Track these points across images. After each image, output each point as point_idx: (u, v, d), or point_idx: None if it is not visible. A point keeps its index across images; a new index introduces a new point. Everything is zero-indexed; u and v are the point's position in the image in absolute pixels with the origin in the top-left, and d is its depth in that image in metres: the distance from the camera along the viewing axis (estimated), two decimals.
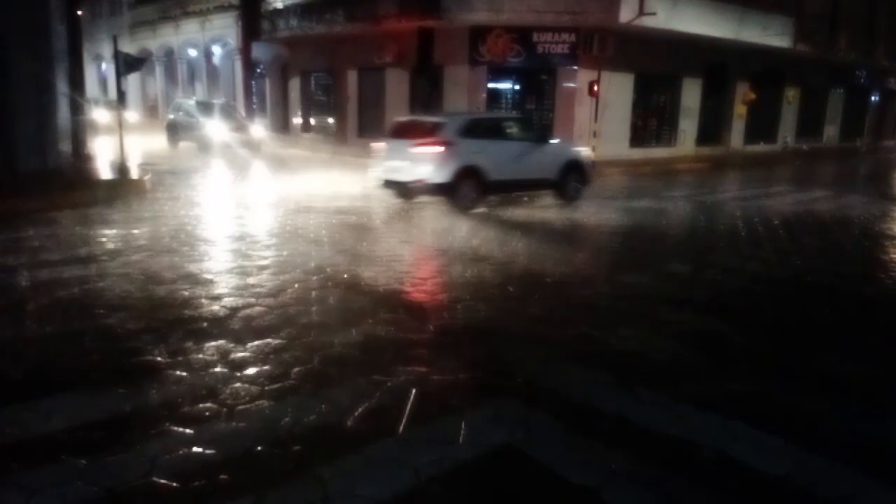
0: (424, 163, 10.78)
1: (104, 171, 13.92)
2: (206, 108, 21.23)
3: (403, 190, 11.53)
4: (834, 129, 30.77)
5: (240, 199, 12.21)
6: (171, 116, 22.52)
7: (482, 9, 18.11)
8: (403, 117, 13.74)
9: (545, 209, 11.74)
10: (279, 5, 23.79)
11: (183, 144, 21.34)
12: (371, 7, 19.78)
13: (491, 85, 19.81)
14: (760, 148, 25.97)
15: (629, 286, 6.62)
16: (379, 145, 12.11)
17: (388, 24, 19.39)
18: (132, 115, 29.18)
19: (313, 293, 6.03)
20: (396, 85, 21.55)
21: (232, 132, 20.08)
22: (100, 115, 25.88)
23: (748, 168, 21.41)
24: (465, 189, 10.96)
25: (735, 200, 13.66)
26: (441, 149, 10.76)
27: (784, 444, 3.49)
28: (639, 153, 21.25)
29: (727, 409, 3.86)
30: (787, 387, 4.24)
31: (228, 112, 21.48)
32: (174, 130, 21.87)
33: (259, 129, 21.39)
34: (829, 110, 30.34)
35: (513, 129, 12.23)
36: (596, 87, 18.43)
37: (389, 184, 11.64)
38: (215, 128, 19.94)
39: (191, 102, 22.23)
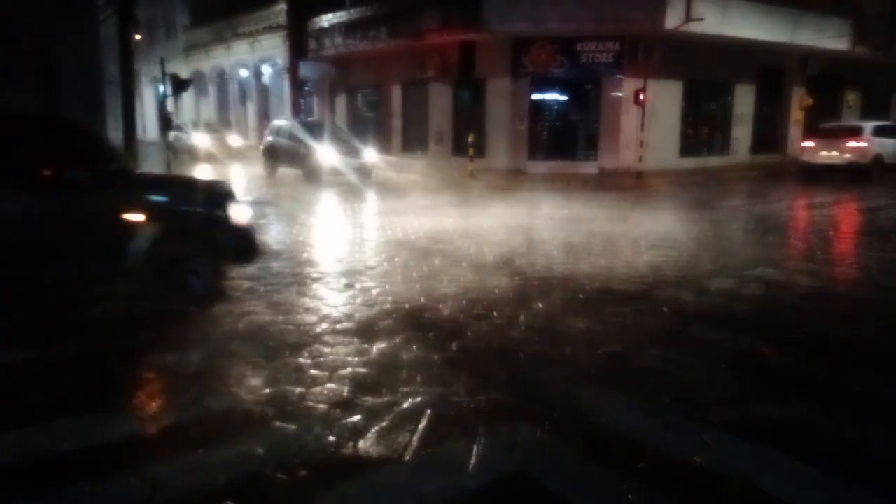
0: (852, 152, 17.86)
1: None
2: (311, 129, 18.69)
3: (830, 172, 18.02)
4: None
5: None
6: (269, 139, 20.01)
7: (524, 20, 18.00)
8: (829, 123, 20.50)
9: None
10: (325, 24, 24.24)
11: (282, 171, 19.35)
12: (414, 23, 19.93)
13: (535, 96, 19.64)
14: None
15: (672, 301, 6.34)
16: (808, 143, 19.06)
17: (431, 39, 19.49)
18: (235, 139, 27.61)
19: None
20: (440, 99, 21.61)
21: (342, 157, 17.51)
22: (199, 139, 25.80)
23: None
24: (876, 170, 17.89)
25: (791, 210, 13.09)
26: (864, 143, 18.00)
27: (819, 474, 3.22)
28: (690, 162, 20.66)
29: (758, 435, 3.60)
30: (826, 411, 3.94)
31: (337, 134, 19.16)
32: (272, 155, 19.60)
33: (371, 152, 18.68)
34: (892, 115, 28.91)
35: None
36: (642, 96, 18.05)
37: (815, 168, 18.59)
38: (323, 152, 17.44)
39: (293, 124, 19.85)
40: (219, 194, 6.19)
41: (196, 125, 28.05)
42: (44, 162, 5.33)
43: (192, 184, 6.43)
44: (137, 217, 5.61)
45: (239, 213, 6.10)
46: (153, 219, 5.65)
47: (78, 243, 5.49)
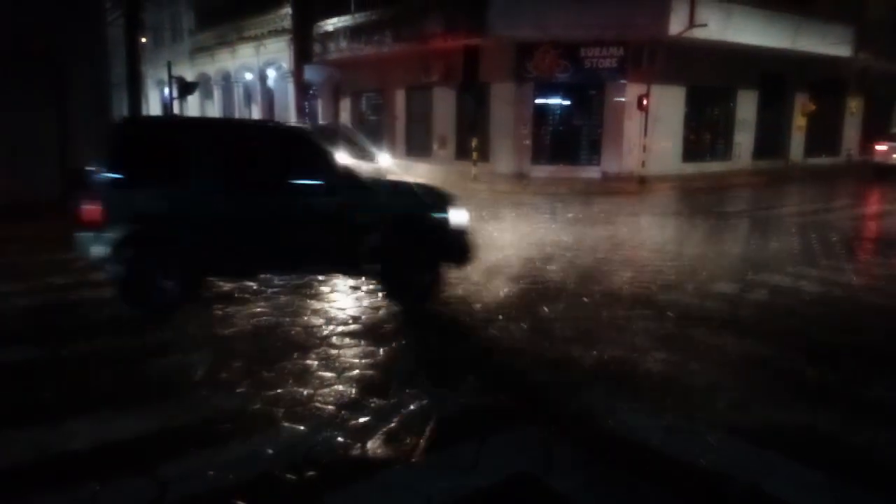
0: None
1: None
2: (324, 134, 18.25)
3: None
4: None
5: None
6: None
7: (528, 25, 18.03)
8: None
9: None
10: (330, 28, 24.31)
11: None
12: (418, 27, 19.98)
13: (538, 101, 19.67)
14: (822, 161, 24.91)
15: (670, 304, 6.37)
16: (882, 147, 20.63)
17: (435, 44, 19.53)
18: None
19: None
20: (443, 103, 21.66)
21: (356, 161, 17.71)
22: None
23: (809, 182, 20.54)
24: None
25: (792, 217, 13.10)
26: None
27: (824, 478, 3.25)
28: (692, 168, 20.67)
29: (764, 438, 3.63)
30: (832, 415, 3.97)
31: (350, 138, 18.25)
32: None
33: (386, 157, 17.92)
34: (895, 121, 28.94)
35: None
36: (645, 101, 18.08)
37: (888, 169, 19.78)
38: (337, 156, 16.94)
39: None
40: (439, 198, 6.51)
41: None
42: (295, 167, 6.13)
43: (416, 188, 6.72)
44: (368, 219, 6.14)
45: (458, 217, 6.36)
46: (381, 221, 6.15)
47: (318, 242, 6.15)
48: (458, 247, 6.30)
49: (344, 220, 6.10)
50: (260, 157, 6.21)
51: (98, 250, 5.86)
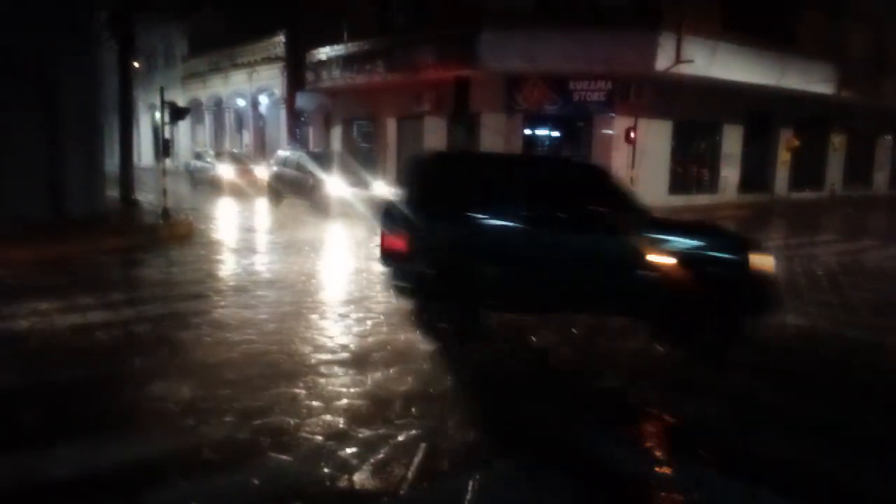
0: None
1: (150, 216, 14.34)
2: (319, 160, 18.10)
3: None
4: (884, 177, 29.85)
5: None
6: (275, 169, 19.49)
7: (518, 58, 18.34)
8: None
9: None
10: (322, 57, 24.57)
11: (287, 202, 18.64)
12: (410, 58, 20.26)
13: (527, 132, 19.93)
14: (806, 195, 25.31)
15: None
16: None
17: (426, 74, 19.79)
18: (262, 170, 22.89)
19: None
20: (434, 132, 21.85)
21: (351, 188, 16.88)
22: (224, 170, 22.99)
23: (793, 215, 20.84)
24: None
25: (778, 250, 13.25)
26: None
27: None
28: (679, 200, 20.91)
29: (755, 475, 3.64)
30: (823, 452, 3.99)
31: (346, 165, 18.37)
32: (278, 186, 19.04)
33: (381, 184, 17.75)
34: (877, 157, 29.51)
35: None
36: (633, 134, 18.36)
37: None
38: (332, 183, 16.81)
39: (301, 154, 19.10)
40: (739, 241, 6.15)
41: (220, 155, 25.16)
42: (590, 204, 6.00)
43: (712, 229, 6.39)
44: (660, 259, 5.69)
45: (761, 262, 5.84)
46: (673, 262, 5.68)
47: (614, 282, 5.85)
48: (758, 296, 5.67)
49: (639, 260, 5.71)
50: (565, 192, 6.16)
51: (402, 282, 6.03)
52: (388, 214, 6.40)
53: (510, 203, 6.00)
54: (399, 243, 6.03)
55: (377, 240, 6.66)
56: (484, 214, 6.02)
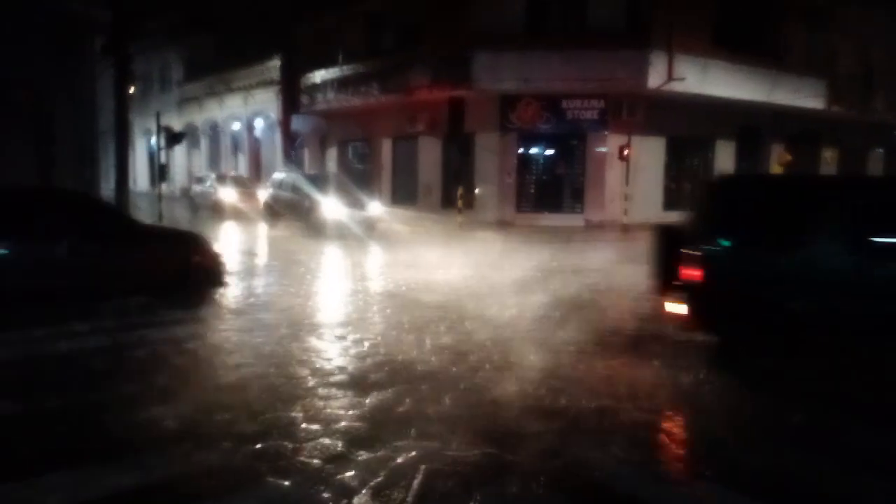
0: None
1: None
2: (315, 182, 18.08)
3: None
4: None
5: None
6: (271, 191, 19.45)
7: (511, 78, 18.52)
8: None
9: None
10: (317, 80, 24.76)
11: (284, 224, 18.55)
12: (404, 79, 20.43)
13: (521, 150, 20.05)
14: None
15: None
16: None
17: (421, 95, 19.94)
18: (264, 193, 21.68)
19: None
20: (429, 152, 21.97)
21: (348, 209, 16.85)
22: (226, 194, 22.65)
23: None
24: None
25: None
26: None
27: None
28: (673, 216, 20.93)
29: (751, 488, 3.61)
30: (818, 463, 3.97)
31: (342, 186, 18.25)
32: (274, 208, 19.00)
33: (376, 205, 17.98)
34: (869, 170, 29.70)
35: None
36: (626, 152, 18.48)
37: None
38: (328, 205, 16.69)
39: (296, 176, 19.07)
40: None
41: (222, 179, 24.61)
42: None
43: None
44: None
45: None
46: None
47: None
48: None
49: None
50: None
51: (698, 314, 5.77)
52: (671, 239, 6.06)
53: (831, 230, 5.51)
54: (695, 272, 5.70)
55: (642, 267, 6.47)
56: (798, 243, 5.61)
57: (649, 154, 20.03)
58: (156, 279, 8.22)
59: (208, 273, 8.77)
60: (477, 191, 20.22)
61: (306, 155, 28.54)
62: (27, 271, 7.33)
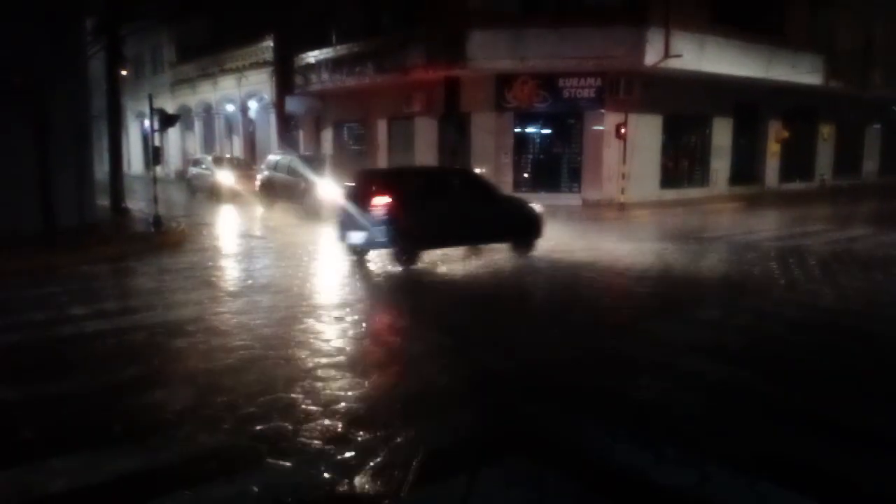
0: None
1: (142, 225, 14.28)
2: (311, 163, 17.85)
3: None
4: (872, 165, 30.03)
5: None
6: (266, 174, 19.30)
7: (507, 57, 18.35)
8: None
9: None
10: (311, 60, 24.51)
11: (280, 207, 18.40)
12: (399, 59, 20.23)
13: (518, 130, 19.94)
14: (796, 186, 25.44)
15: (653, 332, 6.41)
16: None
17: (416, 75, 19.77)
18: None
19: None
20: (425, 133, 21.84)
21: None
22: (224, 176, 22.23)
23: (784, 206, 20.91)
24: None
25: (770, 241, 13.30)
26: None
27: None
28: (671, 194, 20.98)
29: (755, 467, 3.64)
30: (820, 444, 4.00)
31: (338, 167, 17.89)
32: (269, 191, 18.96)
33: None
34: (866, 146, 29.69)
35: None
36: (623, 130, 18.39)
37: None
38: (324, 186, 16.46)
39: (292, 158, 18.82)
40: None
41: (219, 161, 24.25)
42: None
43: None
44: None
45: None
46: None
47: None
48: None
49: None
50: None
51: None
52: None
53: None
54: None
55: None
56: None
57: (646, 132, 19.94)
58: (513, 229, 11.12)
59: (539, 225, 11.36)
60: (474, 171, 20.19)
61: (301, 136, 28.38)
62: (457, 223, 10.48)
